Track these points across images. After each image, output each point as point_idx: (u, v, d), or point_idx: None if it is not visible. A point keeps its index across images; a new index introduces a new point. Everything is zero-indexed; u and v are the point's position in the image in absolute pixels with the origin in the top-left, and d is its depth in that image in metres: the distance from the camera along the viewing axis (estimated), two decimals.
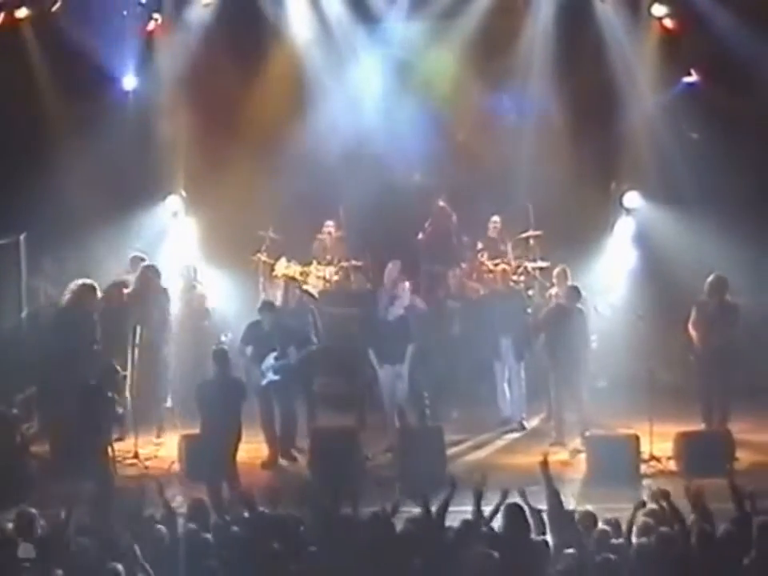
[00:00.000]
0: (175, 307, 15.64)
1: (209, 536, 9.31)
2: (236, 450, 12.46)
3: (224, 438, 12.30)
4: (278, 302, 15.02)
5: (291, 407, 14.14)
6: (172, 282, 15.75)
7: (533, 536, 9.29)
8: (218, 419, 12.26)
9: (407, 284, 14.98)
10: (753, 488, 9.80)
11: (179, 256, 16.68)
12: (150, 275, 15.15)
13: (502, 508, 9.38)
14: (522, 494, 9.71)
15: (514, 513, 9.28)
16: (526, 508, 9.39)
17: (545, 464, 10.08)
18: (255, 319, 14.17)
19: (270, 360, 13.86)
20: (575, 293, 14.61)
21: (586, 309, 14.71)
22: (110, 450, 12.20)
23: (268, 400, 13.90)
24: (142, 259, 15.64)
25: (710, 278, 14.27)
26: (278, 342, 13.87)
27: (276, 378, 13.82)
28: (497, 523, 9.40)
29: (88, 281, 14.77)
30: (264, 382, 13.84)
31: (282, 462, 13.97)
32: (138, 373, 14.57)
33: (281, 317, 14.25)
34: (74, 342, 14.44)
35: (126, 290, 15.12)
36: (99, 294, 14.81)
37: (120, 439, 13.78)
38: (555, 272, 15.42)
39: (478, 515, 9.44)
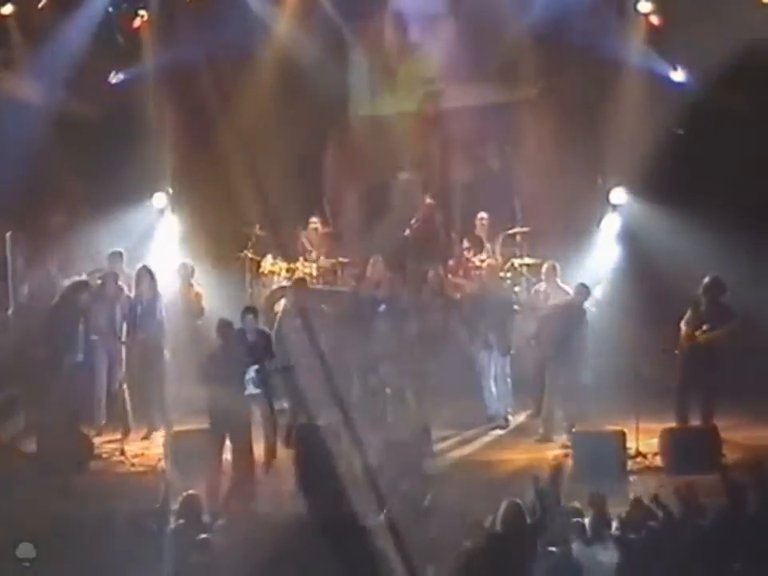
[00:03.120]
0: (172, 305, 15.58)
1: (198, 534, 9.35)
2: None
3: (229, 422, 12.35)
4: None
5: (271, 419, 13.71)
6: (164, 280, 15.70)
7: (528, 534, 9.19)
8: (224, 392, 12.28)
9: (387, 275, 15.02)
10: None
11: (165, 253, 16.65)
12: (141, 274, 15.18)
13: (503, 505, 9.29)
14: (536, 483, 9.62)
15: (513, 511, 9.19)
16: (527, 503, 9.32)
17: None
18: (239, 327, 13.65)
19: (252, 372, 13.33)
20: (584, 291, 14.67)
21: (589, 308, 14.77)
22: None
23: (249, 412, 13.36)
24: (121, 255, 15.62)
25: (706, 279, 14.27)
26: (260, 353, 13.47)
27: (257, 391, 13.34)
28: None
29: (80, 278, 14.78)
30: (245, 393, 13.31)
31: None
32: (126, 370, 14.62)
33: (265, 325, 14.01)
34: (64, 337, 14.47)
35: (118, 286, 15.14)
36: (89, 290, 14.84)
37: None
38: (544, 268, 15.47)
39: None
